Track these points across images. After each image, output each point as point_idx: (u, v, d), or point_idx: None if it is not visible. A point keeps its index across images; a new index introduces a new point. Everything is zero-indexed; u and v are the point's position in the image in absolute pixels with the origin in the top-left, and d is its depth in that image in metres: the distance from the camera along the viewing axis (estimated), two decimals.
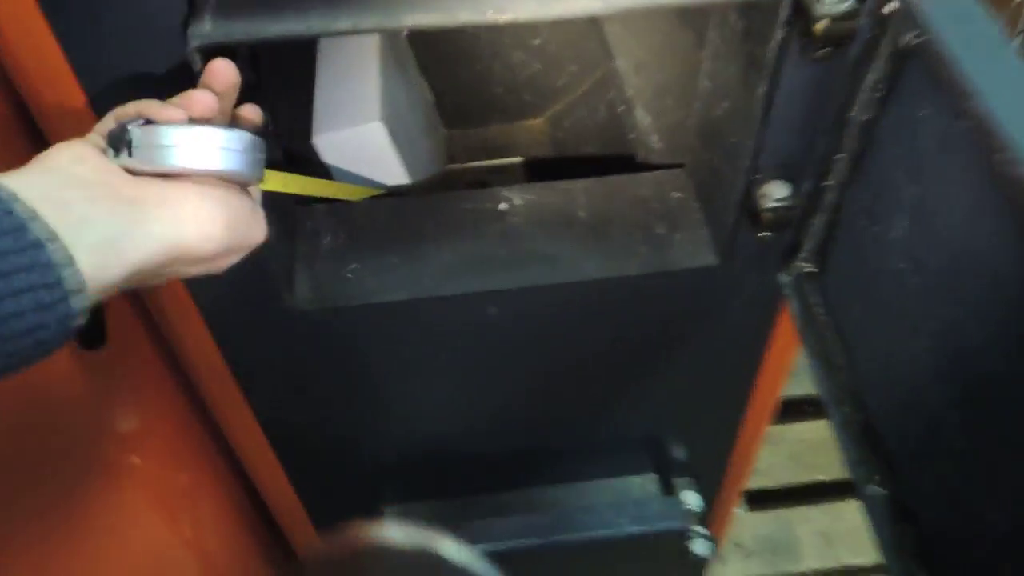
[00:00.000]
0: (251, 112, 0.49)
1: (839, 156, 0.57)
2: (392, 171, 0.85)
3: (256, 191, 0.50)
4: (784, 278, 0.67)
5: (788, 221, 0.64)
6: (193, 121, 0.44)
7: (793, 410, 1.54)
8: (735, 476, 1.10)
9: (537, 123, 1.22)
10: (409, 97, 0.99)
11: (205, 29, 0.46)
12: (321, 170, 0.83)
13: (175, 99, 0.44)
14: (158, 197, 0.42)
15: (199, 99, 0.44)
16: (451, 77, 1.14)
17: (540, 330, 0.73)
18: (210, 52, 0.47)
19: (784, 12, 0.49)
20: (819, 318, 0.63)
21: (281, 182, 0.63)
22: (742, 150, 0.58)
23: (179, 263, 0.43)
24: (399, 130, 0.87)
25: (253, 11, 0.47)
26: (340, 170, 0.84)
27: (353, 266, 0.67)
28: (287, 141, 0.84)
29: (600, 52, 1.07)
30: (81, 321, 0.37)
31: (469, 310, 0.68)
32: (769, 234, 0.66)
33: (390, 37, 0.94)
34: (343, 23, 0.47)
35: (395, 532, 0.22)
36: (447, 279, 0.66)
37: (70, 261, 0.36)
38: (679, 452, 1.03)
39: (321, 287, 0.66)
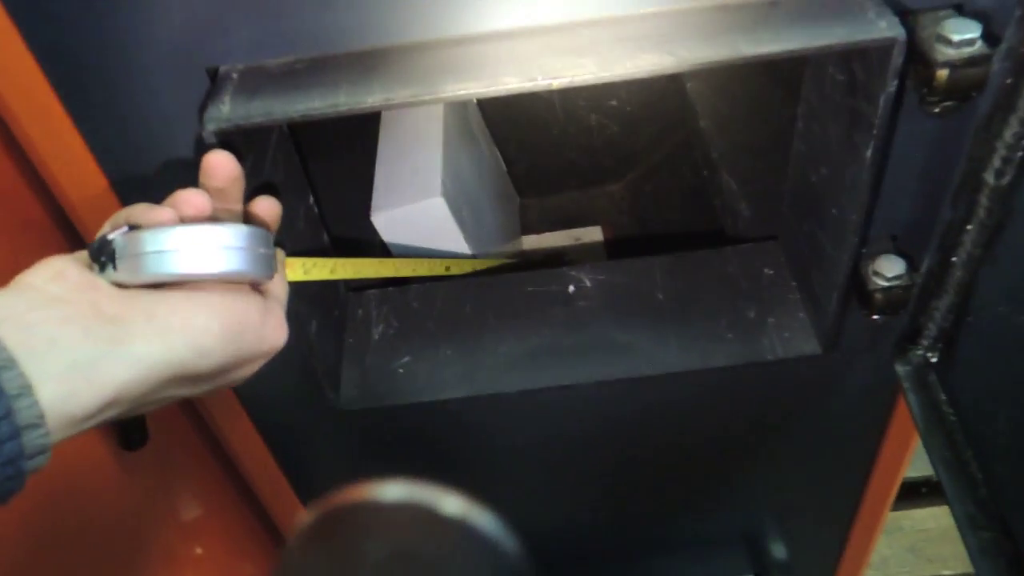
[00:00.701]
0: (265, 206, 0.44)
1: (969, 227, 0.47)
2: (456, 247, 0.79)
3: (279, 288, 0.45)
4: (901, 368, 0.57)
5: (904, 302, 0.54)
6: (185, 222, 0.39)
7: (912, 494, 1.37)
8: (849, 569, 0.97)
9: (616, 189, 1.15)
10: (477, 167, 0.94)
11: (223, 111, 0.41)
12: (385, 252, 0.79)
13: (165, 201, 0.40)
14: (144, 312, 0.37)
15: (187, 199, 0.39)
16: (525, 143, 1.09)
17: (613, 427, 0.65)
18: (229, 137, 0.42)
19: (897, 59, 0.41)
20: (947, 418, 0.53)
21: (328, 269, 0.57)
22: (847, 222, 0.50)
23: (174, 384, 0.37)
24: (463, 204, 0.82)
25: (276, 90, 0.42)
26: (402, 249, 0.79)
27: (405, 359, 0.61)
28: (348, 221, 0.80)
29: (682, 112, 1.00)
30: (42, 461, 0.32)
31: (532, 407, 0.60)
32: (881, 317, 0.56)
33: (455, 105, 0.89)
34: (375, 98, 0.41)
35: (392, 489, 0.21)
36: (506, 373, 0.59)
37: (26, 391, 0.31)
38: (780, 552, 0.92)
39: (369, 384, 0.59)
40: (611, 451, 0.69)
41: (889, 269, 0.54)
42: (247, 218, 0.43)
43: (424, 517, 0.21)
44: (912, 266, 0.54)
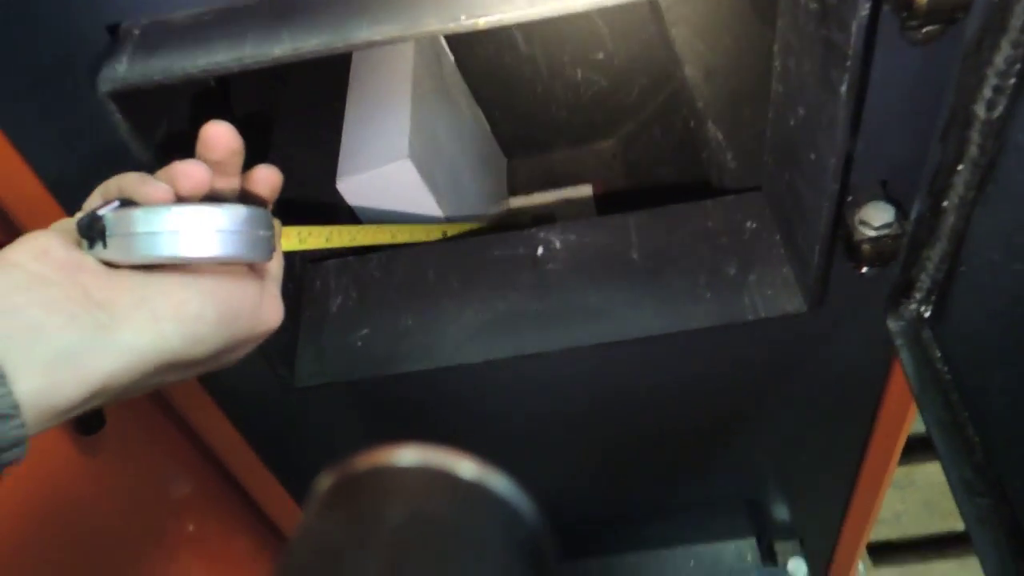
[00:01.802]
0: (266, 176, 0.40)
1: (960, 167, 0.43)
2: (429, 211, 0.75)
3: (275, 265, 0.42)
4: (893, 324, 0.52)
5: (894, 253, 0.50)
6: (180, 199, 0.36)
7: (925, 447, 1.33)
8: (854, 533, 0.93)
9: (608, 145, 1.11)
10: (456, 128, 0.89)
11: (118, 71, 0.38)
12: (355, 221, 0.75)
13: (161, 172, 0.37)
14: (134, 296, 0.34)
15: (186, 172, 0.36)
16: (510, 103, 1.04)
17: (588, 394, 0.61)
18: (127, 97, 0.38)
19: None
20: (942, 377, 0.49)
21: (323, 238, 0.54)
22: (826, 167, 0.45)
23: (164, 372, 0.35)
24: (436, 166, 0.78)
25: (179, 44, 0.38)
26: (373, 216, 0.75)
27: (364, 332, 0.57)
28: (320, 188, 0.76)
29: (671, 63, 0.95)
30: (18, 453, 0.30)
31: (499, 377, 0.57)
32: (870, 270, 0.51)
33: (427, 65, 0.85)
34: (282, 47, 0.37)
35: (408, 453, 0.21)
36: (469, 343, 0.55)
37: (1, 381, 0.29)
38: (782, 513, 0.88)
39: (326, 359, 0.56)
40: (589, 418, 0.65)
41: (876, 218, 0.49)
42: (244, 190, 0.40)
43: (440, 480, 0.21)
44: (902, 213, 0.50)
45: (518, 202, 1.05)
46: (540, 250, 0.59)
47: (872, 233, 0.49)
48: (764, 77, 0.72)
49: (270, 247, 0.38)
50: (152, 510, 0.72)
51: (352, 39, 0.36)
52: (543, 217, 1.01)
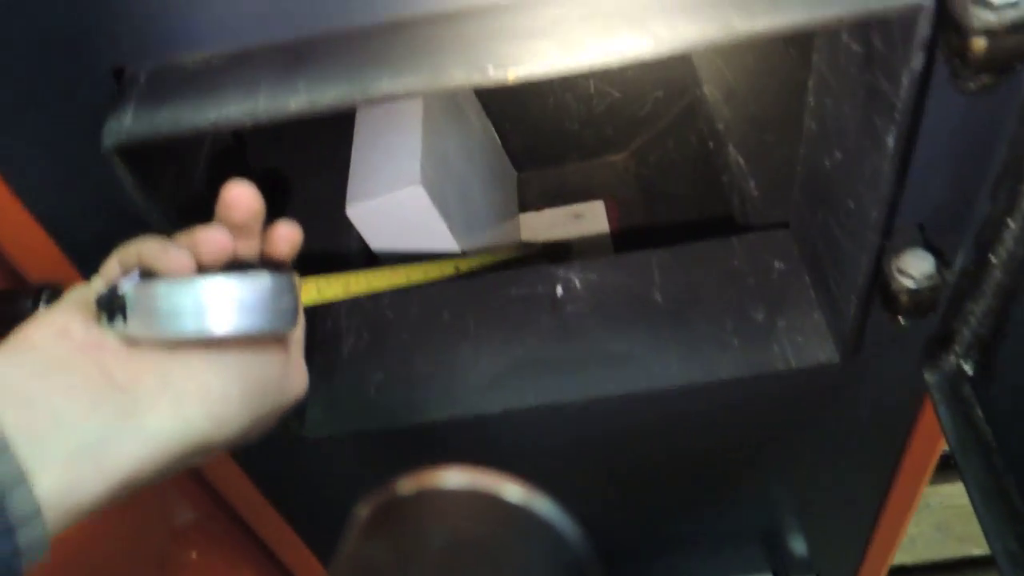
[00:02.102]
0: (286, 234, 0.38)
1: (1011, 223, 0.40)
2: (441, 237, 0.73)
3: (299, 330, 0.40)
4: (930, 377, 0.50)
5: (933, 304, 0.47)
6: (203, 269, 0.34)
7: (941, 468, 1.31)
8: (873, 569, 0.91)
9: (620, 159, 1.08)
10: (466, 144, 0.87)
11: (124, 123, 0.35)
12: (364, 249, 0.73)
13: (181, 236, 0.35)
14: (156, 378, 0.33)
15: (208, 240, 0.34)
16: (520, 114, 1.02)
17: (611, 441, 0.59)
18: (134, 151, 0.36)
19: (923, 28, 0.33)
20: (984, 437, 0.46)
21: (341, 286, 0.52)
22: (866, 218, 0.43)
23: (188, 457, 0.33)
24: (448, 189, 0.75)
25: (189, 92, 0.36)
26: (383, 243, 0.73)
27: (378, 377, 0.55)
28: (325, 216, 0.74)
29: (687, 75, 0.92)
30: (37, 557, 0.27)
31: (519, 425, 0.55)
32: (907, 319, 0.49)
33: None
34: (298, 100, 0.34)
35: (453, 476, 0.21)
36: (488, 392, 0.53)
37: (20, 479, 0.27)
38: (799, 547, 0.86)
39: (338, 408, 0.54)
40: (606, 459, 0.63)
41: (917, 267, 0.47)
42: (264, 250, 0.38)
43: (486, 504, 0.21)
44: (943, 262, 0.47)
45: (528, 219, 1.02)
46: (559, 290, 0.57)
47: (911, 284, 0.47)
48: (790, 103, 0.70)
49: (295, 315, 0.36)
50: (156, 542, 0.70)
51: (372, 91, 0.34)
52: (557, 246, 0.98)
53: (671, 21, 0.34)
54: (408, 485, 0.21)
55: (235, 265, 0.35)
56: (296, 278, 0.40)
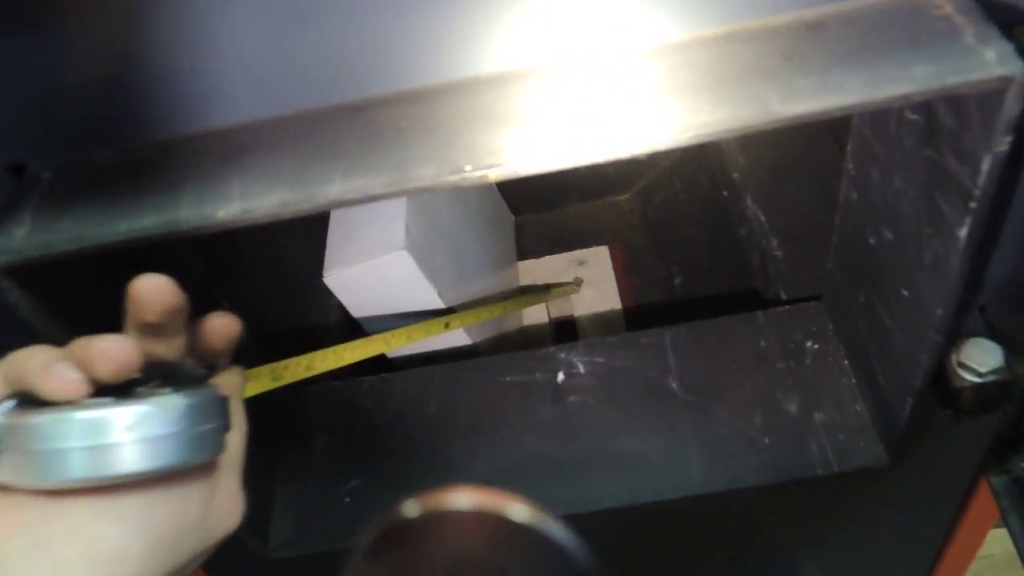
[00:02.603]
0: (220, 327, 0.31)
1: None
2: (428, 303, 0.66)
3: (234, 448, 0.32)
4: (996, 480, 0.43)
5: (1000, 400, 0.40)
6: (101, 392, 0.26)
7: None
8: None
9: (624, 200, 1.01)
10: (457, 194, 0.80)
11: (15, 239, 0.28)
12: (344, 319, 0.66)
13: (77, 344, 0.27)
14: (30, 539, 0.26)
15: (104, 353, 0.26)
16: None
17: (619, 554, 0.52)
18: (22, 272, 0.29)
19: (1013, 106, 0.27)
20: None
21: (303, 367, 0.46)
22: (927, 314, 0.36)
23: None
24: (437, 248, 0.69)
25: (98, 199, 0.29)
26: (365, 310, 0.66)
27: (352, 484, 0.48)
28: (297, 284, 0.67)
29: None
30: None
31: None
32: (968, 417, 0.42)
33: None
34: (229, 209, 0.28)
35: (459, 497, 0.20)
36: None
37: None
38: None
39: (307, 522, 0.47)
40: (622, 570, 0.56)
41: (981, 359, 0.40)
42: (197, 347, 0.30)
43: (492, 524, 0.21)
44: (1011, 351, 0.40)
45: (528, 266, 0.95)
46: (561, 376, 0.50)
47: (975, 379, 0.40)
48: (817, 153, 0.63)
49: (219, 439, 0.29)
50: None
51: (320, 197, 0.27)
52: (562, 323, 0.89)
53: (691, 101, 0.27)
54: (413, 507, 0.21)
55: (153, 372, 0.28)
56: (236, 375, 0.33)
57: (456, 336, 0.65)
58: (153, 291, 0.27)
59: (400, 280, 0.64)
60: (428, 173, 0.27)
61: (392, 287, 0.64)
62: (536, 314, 0.87)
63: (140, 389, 0.27)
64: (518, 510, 0.20)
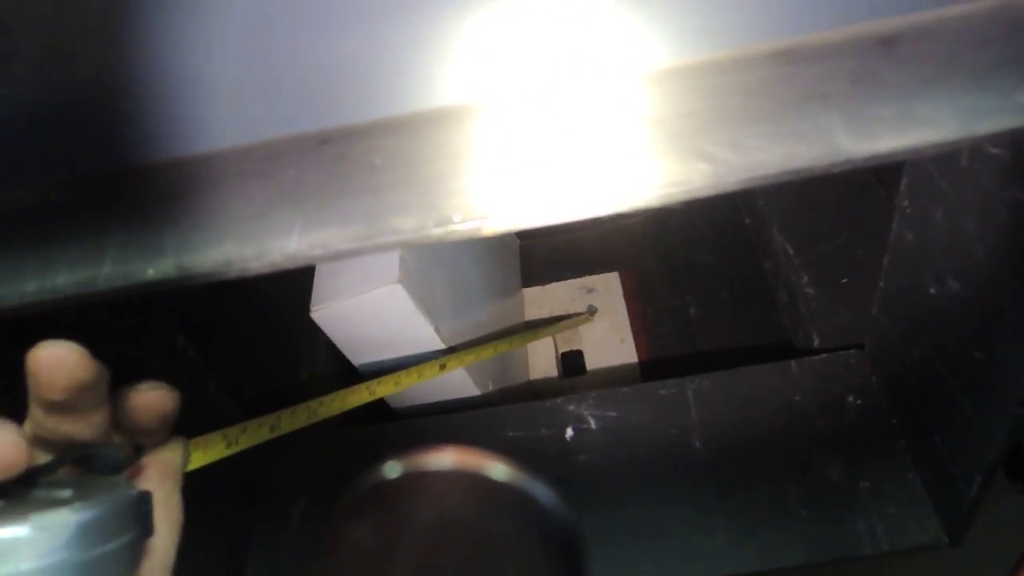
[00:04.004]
0: (150, 403, 0.25)
1: None
2: (424, 338, 0.61)
3: (162, 547, 0.26)
4: None
5: None
6: None
7: None
8: None
9: (636, 224, 0.96)
10: None
11: None
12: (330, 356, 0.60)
13: None
14: None
15: None
16: None
17: None
18: None
19: None
20: None
21: (267, 428, 0.40)
22: (1007, 379, 0.30)
23: None
24: (434, 280, 0.63)
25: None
26: (356, 348, 0.61)
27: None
28: (282, 316, 0.62)
29: None
30: None
31: None
32: None
33: None
34: (161, 265, 0.22)
35: (438, 457, 0.21)
36: None
37: None
38: None
39: None
40: None
41: None
42: (123, 423, 0.25)
43: (471, 483, 0.21)
44: None
45: (533, 294, 0.90)
46: (569, 432, 0.44)
47: None
48: (849, 184, 0.58)
49: (133, 552, 0.23)
50: None
51: (272, 253, 0.22)
52: (569, 358, 0.83)
53: (739, 134, 0.21)
54: (394, 467, 0.21)
55: (65, 457, 0.23)
56: (173, 453, 0.27)
57: (457, 373, 0.60)
58: (56, 364, 0.22)
59: (394, 315, 0.59)
60: (408, 225, 0.22)
61: (385, 323, 0.59)
62: (543, 347, 0.82)
63: (37, 490, 0.22)
64: (499, 469, 0.21)
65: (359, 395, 0.46)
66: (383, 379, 0.50)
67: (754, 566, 0.38)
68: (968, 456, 0.34)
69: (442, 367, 0.58)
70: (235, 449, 0.39)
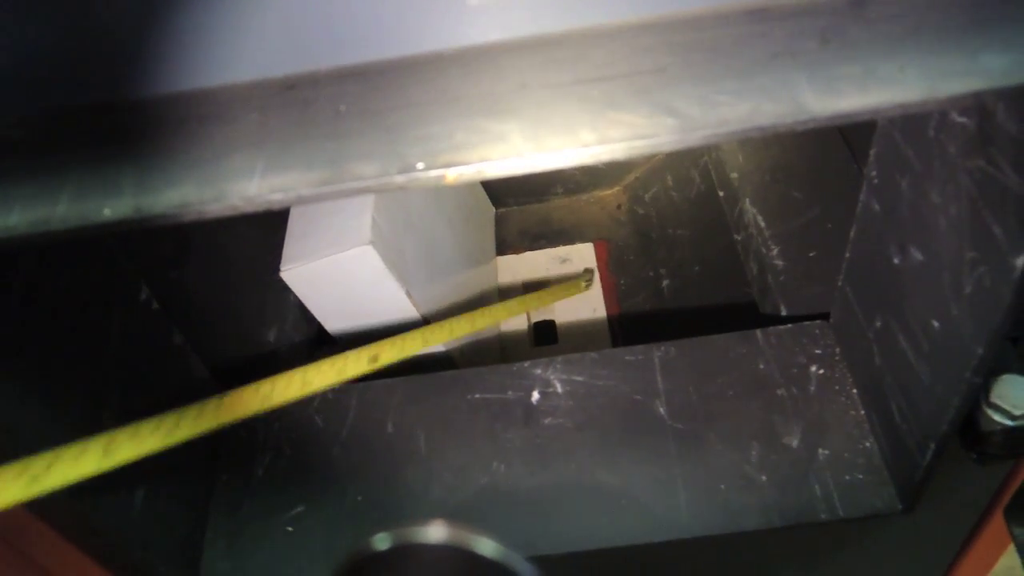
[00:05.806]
0: None
1: None
2: (395, 303, 0.61)
3: None
4: (1020, 532, 0.38)
5: None
6: None
7: None
8: None
9: (611, 195, 0.96)
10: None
11: None
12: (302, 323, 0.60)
13: None
14: None
15: None
16: None
17: None
18: None
19: None
20: None
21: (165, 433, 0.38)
22: (963, 348, 0.30)
23: None
24: (406, 242, 0.63)
25: None
26: (325, 311, 0.60)
27: (297, 510, 0.42)
28: (251, 276, 0.61)
29: None
30: None
31: None
32: (992, 461, 0.37)
33: None
34: (120, 205, 0.22)
35: (427, 531, 0.21)
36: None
37: None
38: None
39: (243, 554, 0.41)
40: None
41: (1016, 401, 0.35)
42: None
43: (461, 559, 0.21)
44: None
45: (507, 262, 0.90)
46: (535, 395, 0.45)
47: (1008, 422, 0.35)
48: (826, 152, 0.58)
49: None
50: None
51: (232, 195, 0.21)
52: (541, 327, 0.82)
53: (707, 89, 0.21)
54: (384, 539, 0.21)
55: None
56: None
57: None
58: None
59: (365, 278, 0.58)
60: (370, 171, 0.21)
61: (356, 286, 0.59)
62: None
63: None
64: (488, 546, 0.21)
65: (324, 377, 0.43)
66: (321, 365, 0.47)
67: (713, 530, 0.39)
68: (923, 424, 0.35)
69: (425, 341, 0.54)
70: (173, 440, 0.35)
